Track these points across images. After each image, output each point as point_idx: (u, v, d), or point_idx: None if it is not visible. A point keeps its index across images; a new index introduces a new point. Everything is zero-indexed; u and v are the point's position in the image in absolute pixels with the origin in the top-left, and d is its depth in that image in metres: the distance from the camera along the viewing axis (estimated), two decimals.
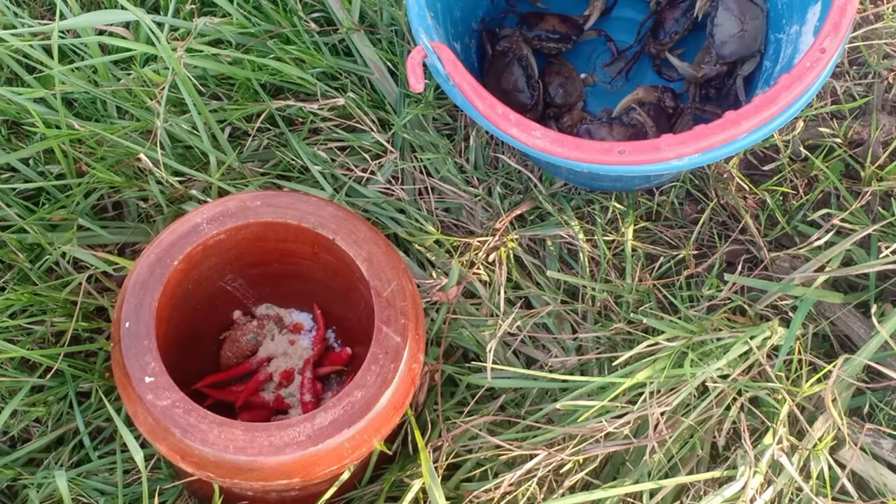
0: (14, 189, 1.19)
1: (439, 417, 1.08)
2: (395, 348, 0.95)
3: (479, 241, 1.18)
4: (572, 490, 1.06)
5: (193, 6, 1.27)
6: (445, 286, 1.15)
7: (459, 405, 1.12)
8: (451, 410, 1.11)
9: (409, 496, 1.01)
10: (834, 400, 1.05)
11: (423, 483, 1.01)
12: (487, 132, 1.22)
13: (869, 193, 1.19)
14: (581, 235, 1.20)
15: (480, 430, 1.07)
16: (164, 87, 1.18)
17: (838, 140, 1.23)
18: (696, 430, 1.07)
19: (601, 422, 1.05)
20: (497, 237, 1.18)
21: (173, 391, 0.91)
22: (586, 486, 1.07)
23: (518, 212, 1.21)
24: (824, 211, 1.20)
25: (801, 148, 1.23)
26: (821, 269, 1.13)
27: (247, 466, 0.90)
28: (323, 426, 0.91)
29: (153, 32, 1.13)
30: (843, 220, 1.15)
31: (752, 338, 1.07)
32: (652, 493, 1.04)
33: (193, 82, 1.19)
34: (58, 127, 1.19)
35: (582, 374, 1.13)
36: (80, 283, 1.12)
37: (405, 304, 0.97)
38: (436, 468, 1.03)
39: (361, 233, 0.99)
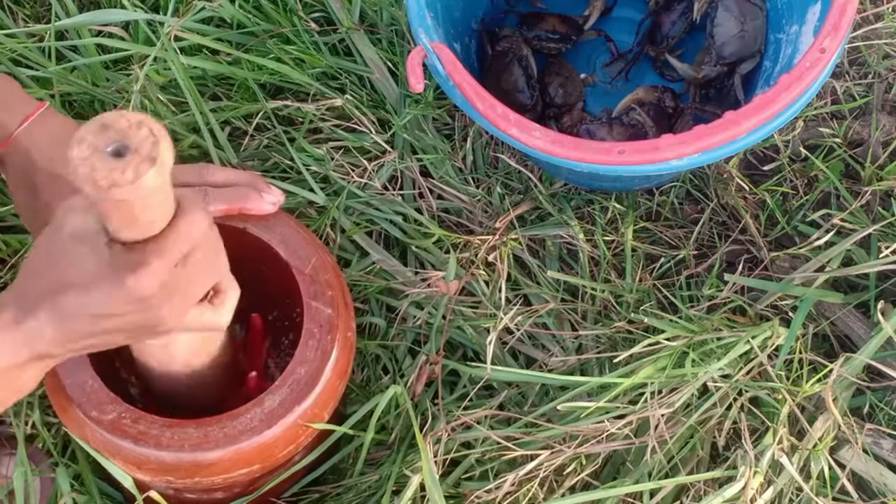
0: None
1: (440, 410, 1.08)
2: (329, 320, 0.96)
3: (479, 240, 1.18)
4: (572, 490, 1.06)
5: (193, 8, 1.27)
6: (446, 277, 1.15)
7: (459, 399, 1.12)
8: (451, 405, 1.11)
9: (409, 493, 1.01)
10: (834, 399, 1.05)
11: (423, 478, 1.01)
12: (487, 132, 1.22)
13: (869, 193, 1.19)
14: (581, 235, 1.20)
15: (480, 423, 1.07)
16: (144, 66, 1.17)
17: (838, 140, 1.23)
18: (697, 430, 1.07)
19: (603, 421, 1.05)
20: (497, 236, 1.18)
21: (116, 403, 0.91)
22: (586, 487, 1.07)
23: (518, 212, 1.21)
24: (824, 211, 1.20)
25: (801, 148, 1.23)
26: (821, 269, 1.13)
27: (206, 462, 0.90)
28: (273, 408, 0.92)
29: (146, 26, 1.13)
30: (843, 220, 1.15)
31: (753, 338, 1.07)
32: (652, 493, 1.04)
33: (182, 62, 1.18)
34: None
35: (582, 374, 1.13)
36: None
37: (328, 277, 0.98)
38: (435, 462, 1.03)
39: (271, 217, 0.99)
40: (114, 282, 0.72)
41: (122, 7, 1.25)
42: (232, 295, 0.82)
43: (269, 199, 0.98)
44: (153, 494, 0.95)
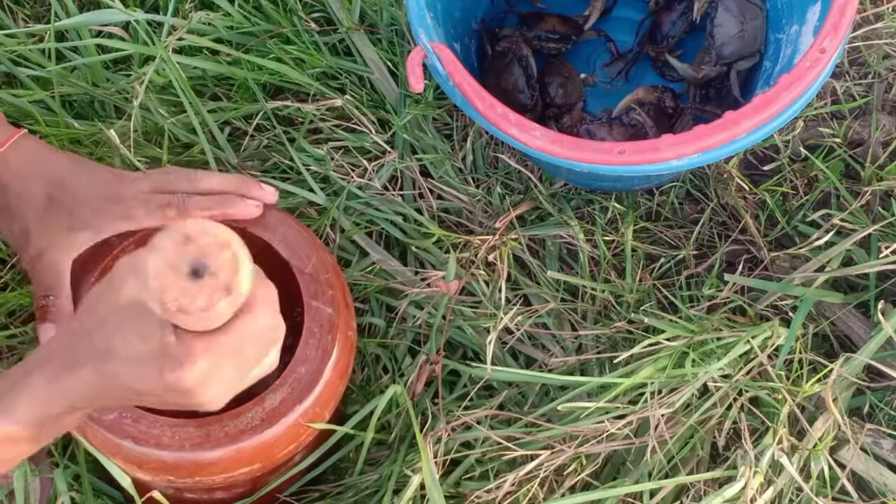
0: None
1: (440, 410, 1.08)
2: (329, 319, 0.96)
3: (479, 240, 1.18)
4: (572, 490, 1.06)
5: (192, 4, 1.27)
6: (446, 277, 1.15)
7: (459, 399, 1.12)
8: (451, 405, 1.11)
9: (409, 493, 1.01)
10: (834, 399, 1.05)
11: (423, 477, 1.01)
12: (487, 132, 1.22)
13: (869, 193, 1.19)
14: (581, 235, 1.20)
15: (480, 423, 1.07)
16: (144, 80, 1.18)
17: (838, 140, 1.23)
18: (697, 430, 1.07)
19: (603, 421, 1.05)
20: (497, 236, 1.18)
21: None
22: (586, 487, 1.07)
23: (518, 212, 1.21)
24: (824, 211, 1.20)
25: (801, 148, 1.23)
26: (821, 269, 1.13)
27: (207, 461, 0.91)
28: (274, 407, 0.92)
29: (141, 27, 1.13)
30: (843, 220, 1.15)
31: (753, 338, 1.07)
32: (652, 494, 1.04)
33: (179, 72, 1.18)
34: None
35: (582, 374, 1.13)
36: None
37: (329, 276, 0.98)
38: (435, 462, 1.03)
39: (271, 216, 0.99)
40: (156, 370, 0.70)
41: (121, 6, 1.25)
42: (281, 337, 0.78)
43: (253, 203, 0.99)
44: (155, 494, 0.95)
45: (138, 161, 1.16)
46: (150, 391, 0.72)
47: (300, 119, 1.26)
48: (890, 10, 1.29)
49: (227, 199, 0.99)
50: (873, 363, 1.08)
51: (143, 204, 0.98)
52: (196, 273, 0.63)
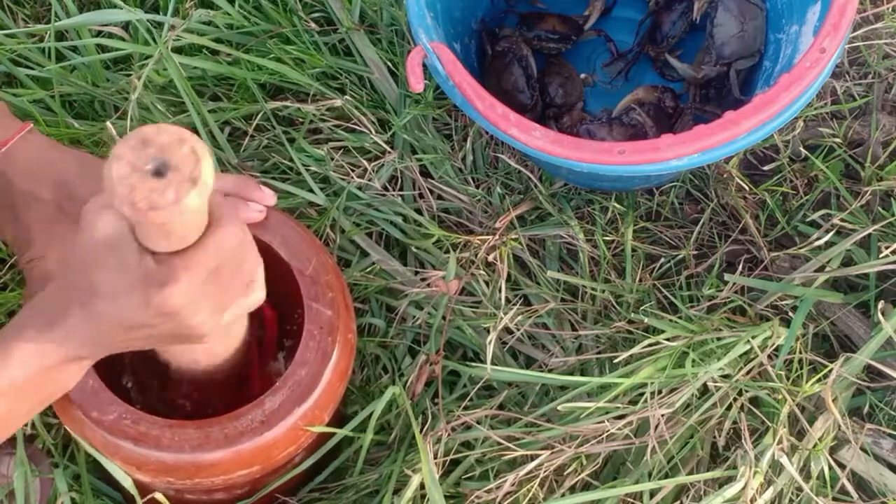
0: None
1: (440, 410, 1.08)
2: (329, 321, 0.96)
3: (479, 240, 1.18)
4: (572, 490, 1.06)
5: (192, 3, 1.27)
6: (446, 277, 1.15)
7: (459, 399, 1.12)
8: (451, 405, 1.11)
9: (409, 493, 1.01)
10: (834, 399, 1.05)
11: (423, 477, 1.01)
12: (487, 132, 1.22)
13: (869, 193, 1.19)
14: (581, 235, 1.20)
15: (480, 423, 1.07)
16: (142, 75, 1.18)
17: (838, 140, 1.23)
18: (697, 430, 1.07)
19: (603, 422, 1.05)
20: (497, 236, 1.18)
21: (117, 404, 0.91)
22: (586, 487, 1.07)
23: (518, 212, 1.21)
24: (824, 211, 1.20)
25: (801, 148, 1.23)
26: (821, 269, 1.13)
27: (206, 462, 0.91)
28: (274, 409, 0.92)
29: (141, 25, 1.13)
30: (843, 220, 1.15)
31: (753, 338, 1.07)
32: (652, 494, 1.04)
33: (179, 69, 1.18)
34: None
35: (582, 374, 1.13)
36: None
37: (329, 279, 0.98)
38: (435, 462, 1.03)
39: (271, 218, 1.00)
40: (141, 296, 0.71)
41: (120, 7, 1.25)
42: (260, 271, 0.81)
43: (256, 206, 0.99)
44: (157, 496, 0.95)
45: None
46: (141, 321, 0.73)
47: (300, 119, 1.26)
48: (890, 10, 1.29)
49: (231, 202, 0.99)
50: (873, 363, 1.08)
51: None
52: (159, 172, 0.64)
